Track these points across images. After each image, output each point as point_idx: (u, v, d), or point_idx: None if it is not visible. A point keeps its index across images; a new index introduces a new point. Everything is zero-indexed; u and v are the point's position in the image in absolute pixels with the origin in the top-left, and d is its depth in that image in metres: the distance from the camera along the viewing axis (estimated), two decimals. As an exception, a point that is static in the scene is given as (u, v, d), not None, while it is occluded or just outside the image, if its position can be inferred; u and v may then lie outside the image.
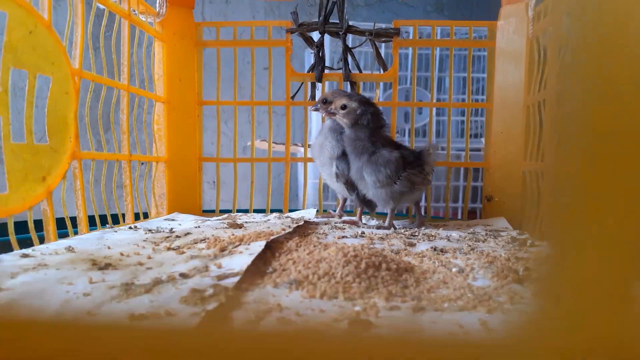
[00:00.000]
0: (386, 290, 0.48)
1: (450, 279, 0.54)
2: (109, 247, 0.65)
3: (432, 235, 0.84)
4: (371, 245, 0.71)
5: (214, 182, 1.18)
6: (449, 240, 0.80)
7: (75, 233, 0.78)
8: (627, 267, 0.22)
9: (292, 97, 1.16)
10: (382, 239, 0.79)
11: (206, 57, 1.18)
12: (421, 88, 1.79)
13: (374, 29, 1.12)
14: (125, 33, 0.93)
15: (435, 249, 0.70)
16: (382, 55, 1.16)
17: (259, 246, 0.60)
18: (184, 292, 0.44)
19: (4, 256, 0.57)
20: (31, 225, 0.66)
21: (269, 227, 0.77)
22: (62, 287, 0.46)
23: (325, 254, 0.56)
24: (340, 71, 1.14)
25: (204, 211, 1.17)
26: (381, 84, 1.53)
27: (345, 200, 1.12)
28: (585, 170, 0.22)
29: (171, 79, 1.12)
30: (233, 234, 0.71)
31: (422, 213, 1.07)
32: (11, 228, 0.62)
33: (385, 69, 1.15)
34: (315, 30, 1.12)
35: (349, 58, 1.14)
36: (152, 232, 0.80)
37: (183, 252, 0.62)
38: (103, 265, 0.54)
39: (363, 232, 0.85)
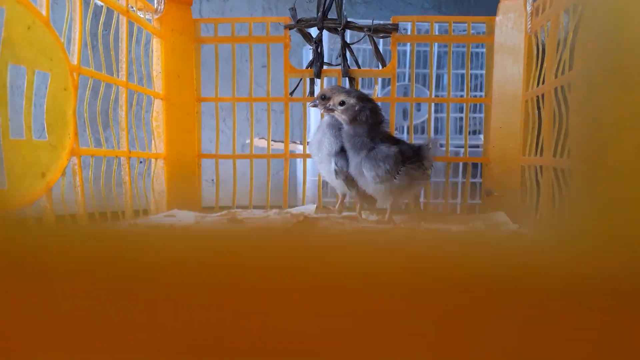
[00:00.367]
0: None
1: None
2: (108, 243, 0.65)
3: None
4: (371, 240, 0.71)
5: (213, 180, 1.18)
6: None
7: (75, 230, 0.78)
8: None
9: (291, 94, 1.16)
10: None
11: (204, 54, 1.17)
12: (420, 85, 1.79)
13: (372, 24, 1.12)
14: (124, 30, 0.93)
15: (435, 243, 0.70)
16: (381, 51, 1.15)
17: (259, 240, 0.60)
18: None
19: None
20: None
21: (268, 223, 0.77)
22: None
23: (326, 247, 0.56)
24: (339, 67, 1.14)
25: (204, 208, 1.17)
26: (380, 80, 1.52)
27: (344, 196, 1.11)
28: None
29: (169, 76, 1.11)
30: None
31: (421, 208, 1.07)
32: (10, 224, 0.62)
33: (383, 65, 1.15)
34: (314, 27, 1.12)
35: (348, 54, 1.14)
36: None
37: (183, 247, 0.62)
38: (103, 260, 0.54)
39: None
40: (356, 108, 0.93)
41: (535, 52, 0.98)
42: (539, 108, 0.95)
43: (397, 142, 0.97)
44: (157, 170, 1.11)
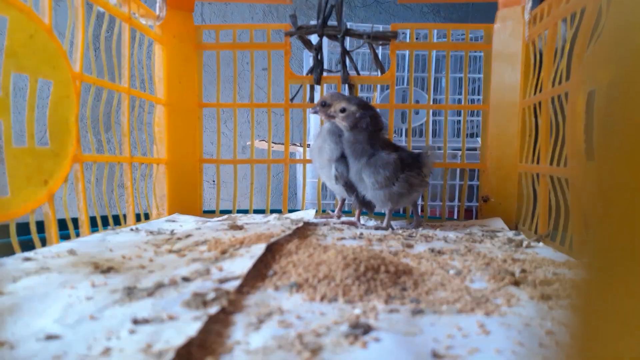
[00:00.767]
0: (385, 293, 0.49)
1: (447, 281, 0.55)
2: (110, 250, 0.66)
3: (430, 236, 0.85)
4: (370, 247, 0.72)
5: (214, 181, 1.19)
6: (446, 241, 0.81)
7: (77, 235, 0.78)
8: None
9: (291, 100, 1.17)
10: (380, 240, 0.80)
11: (206, 58, 1.18)
12: (418, 89, 1.80)
13: (371, 31, 1.13)
14: (126, 36, 0.94)
15: (432, 250, 0.71)
16: (380, 56, 1.16)
17: (259, 249, 0.60)
18: (186, 295, 0.45)
19: (6, 259, 0.58)
20: (33, 228, 0.67)
21: (269, 229, 0.78)
22: (65, 290, 0.47)
23: (325, 256, 0.57)
24: (339, 74, 1.15)
25: (205, 212, 1.18)
26: (378, 84, 1.53)
27: (343, 200, 1.12)
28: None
29: (171, 82, 1.12)
30: (234, 236, 0.72)
31: (420, 213, 1.08)
32: (13, 232, 0.63)
33: (382, 72, 1.15)
34: (314, 33, 1.13)
35: (347, 61, 1.15)
36: (154, 234, 0.81)
37: (184, 255, 0.62)
38: (105, 269, 0.54)
39: (361, 234, 0.86)
40: (357, 115, 0.94)
41: (532, 60, 0.99)
42: (536, 116, 0.96)
43: (396, 149, 0.98)
44: (159, 175, 1.12)
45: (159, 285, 0.48)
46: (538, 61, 0.96)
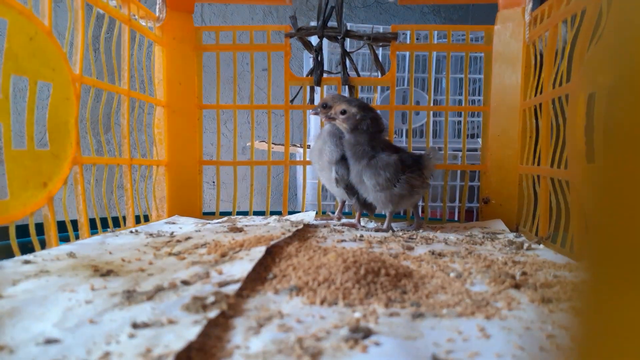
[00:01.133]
0: (385, 296, 0.49)
1: (448, 284, 0.54)
2: (110, 253, 0.66)
3: (430, 239, 0.85)
4: (370, 250, 0.72)
5: (214, 182, 1.19)
6: (446, 243, 0.81)
7: (77, 237, 0.78)
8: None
9: (291, 101, 1.17)
10: (380, 242, 0.80)
11: (205, 59, 1.18)
12: (418, 89, 1.79)
13: (372, 33, 1.13)
14: (126, 38, 0.94)
15: (433, 253, 0.71)
16: (380, 57, 1.16)
17: (259, 252, 0.60)
18: (185, 299, 0.45)
19: (6, 262, 0.58)
20: (32, 231, 0.66)
21: (268, 231, 0.78)
22: (64, 294, 0.47)
23: (325, 259, 0.57)
24: (339, 75, 1.14)
25: (204, 213, 1.17)
26: (379, 86, 1.53)
27: (343, 202, 1.12)
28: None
29: (171, 83, 1.12)
30: (233, 239, 0.71)
31: (420, 215, 1.07)
32: (13, 234, 0.62)
33: (383, 73, 1.15)
34: (314, 35, 1.13)
35: (347, 62, 1.15)
36: (153, 237, 0.81)
37: (184, 258, 0.62)
38: (105, 272, 0.54)
39: (362, 236, 0.86)
40: (357, 117, 0.93)
41: (533, 61, 0.99)
42: (536, 117, 0.95)
43: (397, 150, 0.98)
44: (159, 177, 1.12)
45: (159, 289, 0.48)
46: (538, 63, 0.96)
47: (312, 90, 1.16)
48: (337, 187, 1.01)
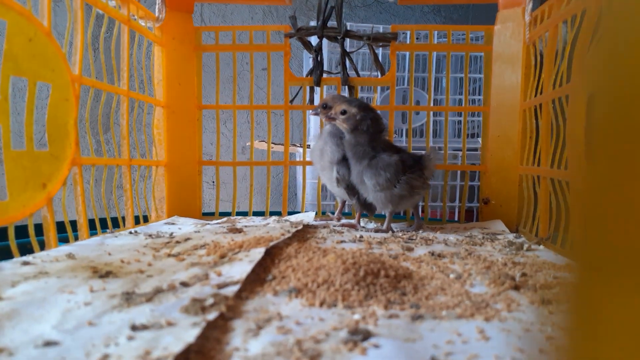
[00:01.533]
0: (385, 298, 0.49)
1: (448, 285, 0.54)
2: (109, 254, 0.66)
3: (430, 239, 0.85)
4: (369, 250, 0.72)
5: (214, 182, 1.19)
6: (446, 244, 0.81)
7: (76, 238, 0.78)
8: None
9: (291, 102, 1.17)
10: (380, 243, 0.80)
11: (205, 59, 1.18)
12: (418, 89, 1.79)
13: (371, 33, 1.13)
14: (125, 38, 0.94)
15: (432, 254, 0.71)
16: (380, 57, 1.16)
17: (258, 253, 0.60)
18: (184, 301, 0.45)
19: (5, 264, 0.58)
20: (31, 232, 0.66)
21: (268, 232, 0.78)
22: (63, 296, 0.47)
23: (324, 261, 0.57)
24: (339, 75, 1.14)
25: (204, 214, 1.17)
26: (378, 86, 1.53)
27: (343, 203, 1.12)
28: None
29: (171, 84, 1.12)
30: (233, 240, 0.71)
31: (420, 215, 1.07)
32: (12, 235, 0.62)
33: (383, 73, 1.15)
34: (314, 35, 1.13)
35: (347, 62, 1.14)
36: (152, 237, 0.81)
37: (183, 259, 0.62)
38: (104, 273, 0.54)
39: (361, 236, 0.86)
40: (357, 117, 0.93)
41: (533, 62, 0.99)
42: (536, 118, 0.95)
43: (398, 150, 0.98)
44: (158, 177, 1.12)
45: (158, 291, 0.48)
46: (539, 63, 0.96)
47: (312, 90, 1.16)
48: (338, 187, 1.01)
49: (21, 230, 0.68)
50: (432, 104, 1.48)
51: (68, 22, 0.77)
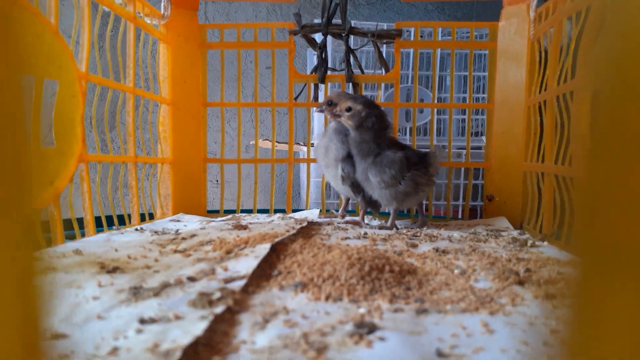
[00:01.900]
0: (390, 293, 0.49)
1: (452, 280, 0.55)
2: (116, 250, 0.66)
3: (434, 236, 0.85)
4: (374, 247, 0.72)
5: (217, 180, 1.20)
6: (450, 240, 0.81)
7: (82, 234, 0.79)
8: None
9: (295, 99, 1.17)
10: (384, 239, 0.80)
11: (209, 57, 1.19)
12: (422, 87, 1.79)
13: (376, 30, 1.13)
14: (131, 36, 0.94)
15: (437, 250, 0.71)
16: (384, 54, 1.16)
17: (264, 249, 0.61)
18: (191, 295, 0.45)
19: (14, 259, 0.58)
20: (38, 228, 0.67)
21: (273, 229, 0.78)
22: (71, 290, 0.47)
23: (330, 256, 0.57)
24: (343, 72, 1.15)
25: (209, 212, 1.18)
26: (383, 83, 1.53)
27: (348, 200, 1.12)
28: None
29: (176, 81, 1.13)
30: (238, 236, 0.72)
31: (424, 213, 1.08)
32: (20, 231, 0.63)
33: (387, 70, 1.15)
34: (318, 32, 1.13)
35: (351, 59, 1.15)
36: (158, 234, 0.81)
37: (189, 255, 0.63)
38: (111, 269, 0.55)
39: (366, 233, 0.86)
40: (362, 114, 0.94)
41: (538, 58, 0.99)
42: (541, 114, 0.95)
43: (403, 147, 0.98)
44: (163, 175, 1.12)
45: (165, 285, 0.49)
46: (543, 59, 0.96)
47: (316, 87, 1.16)
48: (343, 184, 1.01)
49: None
50: (436, 102, 1.48)
51: (75, 20, 0.78)
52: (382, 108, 1.00)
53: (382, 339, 0.38)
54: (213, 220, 0.99)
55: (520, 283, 0.54)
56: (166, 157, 1.12)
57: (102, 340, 0.36)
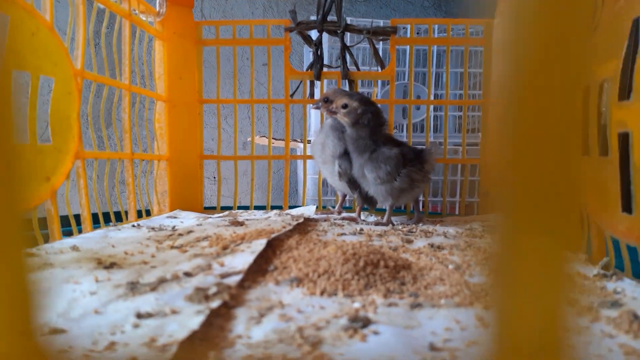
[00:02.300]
0: (384, 287, 0.49)
1: (447, 275, 0.55)
2: (113, 246, 0.67)
3: (430, 232, 0.85)
4: (370, 243, 0.73)
5: (215, 177, 1.20)
6: (445, 236, 0.82)
7: (79, 231, 0.79)
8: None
9: (291, 96, 1.17)
10: (380, 235, 0.81)
11: (205, 54, 1.19)
12: (419, 83, 1.80)
13: (371, 27, 1.13)
14: (126, 33, 0.94)
15: (432, 246, 0.71)
16: (380, 51, 1.17)
17: (260, 244, 0.61)
18: (188, 290, 0.45)
19: (11, 255, 0.58)
20: (35, 224, 0.67)
21: (269, 225, 0.79)
22: (69, 286, 0.48)
23: (325, 252, 0.58)
24: (339, 69, 1.15)
25: (205, 208, 1.18)
26: (379, 80, 1.54)
27: (344, 196, 1.13)
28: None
29: (172, 78, 1.13)
30: (235, 232, 0.72)
31: (420, 209, 1.08)
32: (17, 228, 0.63)
33: (382, 67, 1.16)
34: (314, 29, 1.13)
35: (347, 56, 1.15)
36: (155, 230, 0.82)
37: (186, 251, 0.63)
38: (108, 264, 0.55)
39: (362, 229, 0.87)
40: (358, 111, 0.94)
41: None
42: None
43: (398, 144, 0.98)
44: (160, 171, 1.12)
45: (162, 280, 0.49)
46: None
47: (312, 84, 1.16)
48: (339, 180, 1.01)
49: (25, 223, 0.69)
50: (432, 99, 1.49)
51: (70, 17, 0.78)
52: (378, 105, 1.00)
53: (376, 332, 0.38)
54: (210, 217, 1.00)
55: (514, 278, 0.54)
56: (163, 154, 1.12)
57: (100, 335, 0.37)
